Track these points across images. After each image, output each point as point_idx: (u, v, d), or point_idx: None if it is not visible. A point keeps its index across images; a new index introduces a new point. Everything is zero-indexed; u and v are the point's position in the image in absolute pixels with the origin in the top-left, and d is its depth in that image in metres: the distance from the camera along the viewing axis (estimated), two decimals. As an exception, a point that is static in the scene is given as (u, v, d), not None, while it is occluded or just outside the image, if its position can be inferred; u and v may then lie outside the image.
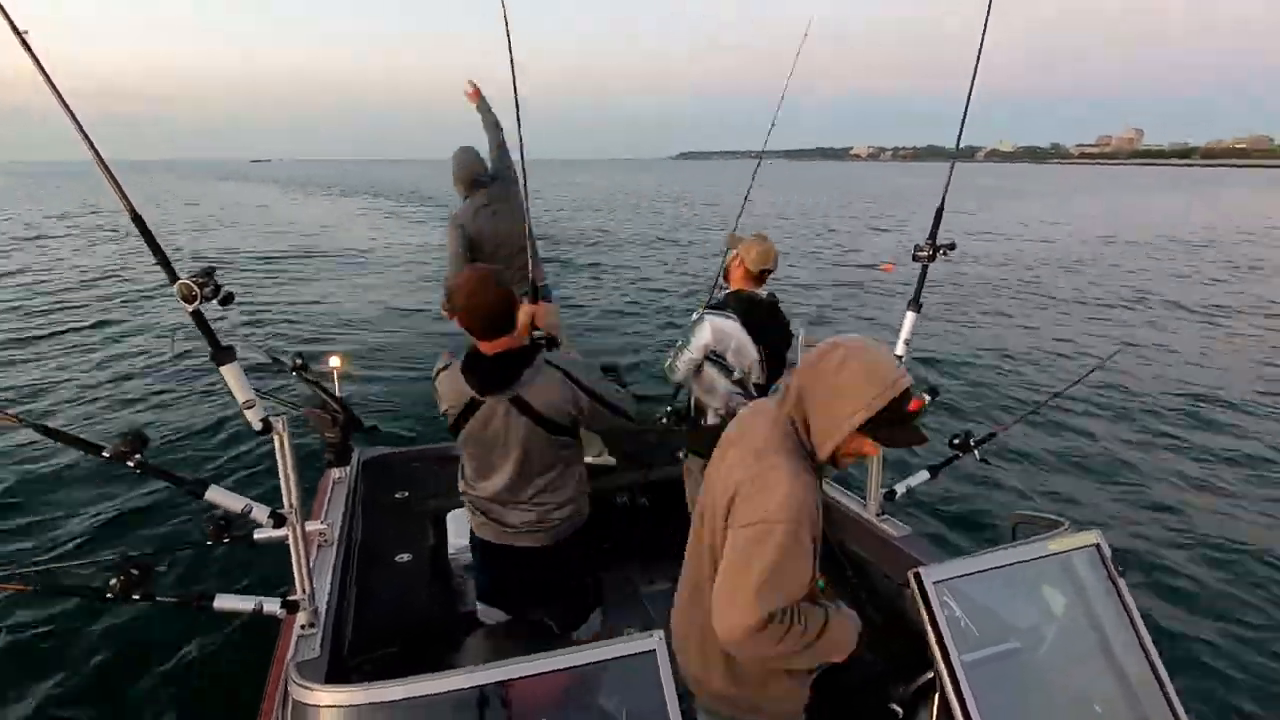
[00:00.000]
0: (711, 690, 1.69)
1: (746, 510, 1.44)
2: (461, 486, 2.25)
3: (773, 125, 3.84)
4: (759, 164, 3.90)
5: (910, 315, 2.54)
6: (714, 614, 1.43)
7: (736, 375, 2.73)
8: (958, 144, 2.54)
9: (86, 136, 1.64)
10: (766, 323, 2.78)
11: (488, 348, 1.96)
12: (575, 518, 2.25)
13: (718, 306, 2.80)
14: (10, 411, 1.71)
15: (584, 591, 2.39)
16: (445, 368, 2.08)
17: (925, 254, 2.44)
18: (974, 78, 2.41)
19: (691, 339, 2.74)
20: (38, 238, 19.42)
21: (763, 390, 2.81)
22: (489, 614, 2.39)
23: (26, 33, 1.58)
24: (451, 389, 2.03)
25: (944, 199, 2.47)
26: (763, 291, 2.83)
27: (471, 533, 2.31)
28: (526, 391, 1.98)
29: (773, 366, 2.85)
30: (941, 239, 2.46)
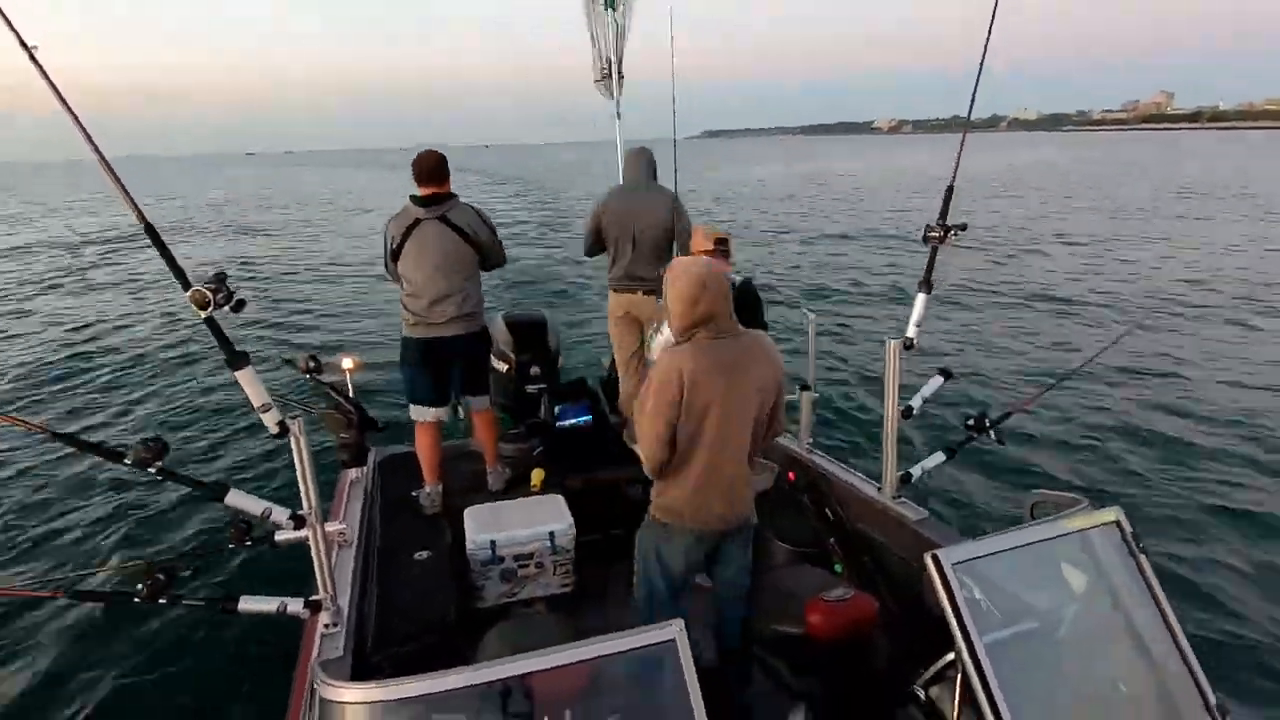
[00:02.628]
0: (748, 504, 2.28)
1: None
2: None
3: (674, 115, 4.51)
4: (675, 146, 4.66)
5: (921, 297, 2.52)
6: (781, 420, 2.25)
7: None
8: (968, 116, 2.51)
9: (97, 149, 1.66)
10: (737, 305, 2.81)
11: (424, 191, 3.10)
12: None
13: None
14: (34, 420, 1.73)
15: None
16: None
17: (936, 235, 2.42)
18: (985, 50, 2.39)
19: (664, 324, 2.76)
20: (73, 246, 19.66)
21: None
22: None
23: (35, 48, 1.59)
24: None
25: (954, 177, 2.44)
26: (736, 276, 2.94)
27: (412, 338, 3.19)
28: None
29: None
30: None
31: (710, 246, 3.04)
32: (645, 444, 2.11)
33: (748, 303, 2.97)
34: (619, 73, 4.62)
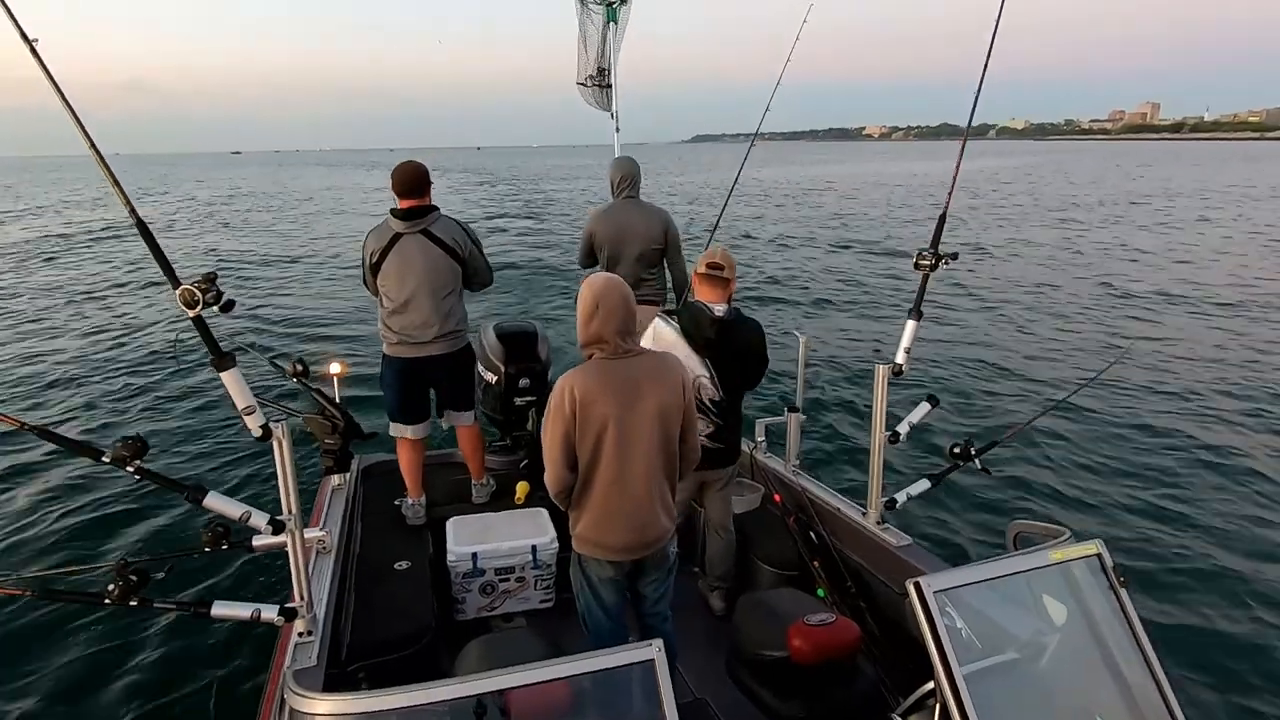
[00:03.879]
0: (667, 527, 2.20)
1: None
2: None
3: (767, 110, 4.20)
4: (751, 147, 4.54)
5: (911, 324, 2.54)
6: (694, 446, 2.22)
7: None
8: (966, 131, 2.53)
9: (94, 145, 1.65)
10: (713, 339, 2.63)
11: (404, 204, 3.01)
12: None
13: (674, 314, 2.79)
14: (10, 414, 1.71)
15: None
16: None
17: (927, 262, 2.44)
18: (988, 58, 2.41)
19: (652, 330, 2.72)
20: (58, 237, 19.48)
21: (720, 406, 2.67)
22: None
23: (36, 40, 1.60)
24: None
25: (947, 205, 2.47)
26: (719, 308, 2.65)
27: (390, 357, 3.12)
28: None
29: (731, 385, 2.71)
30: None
31: (702, 269, 2.70)
32: (546, 466, 2.08)
33: (733, 337, 2.66)
34: (612, 80, 4.69)
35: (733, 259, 2.76)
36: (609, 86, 4.68)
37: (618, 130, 4.67)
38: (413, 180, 3.00)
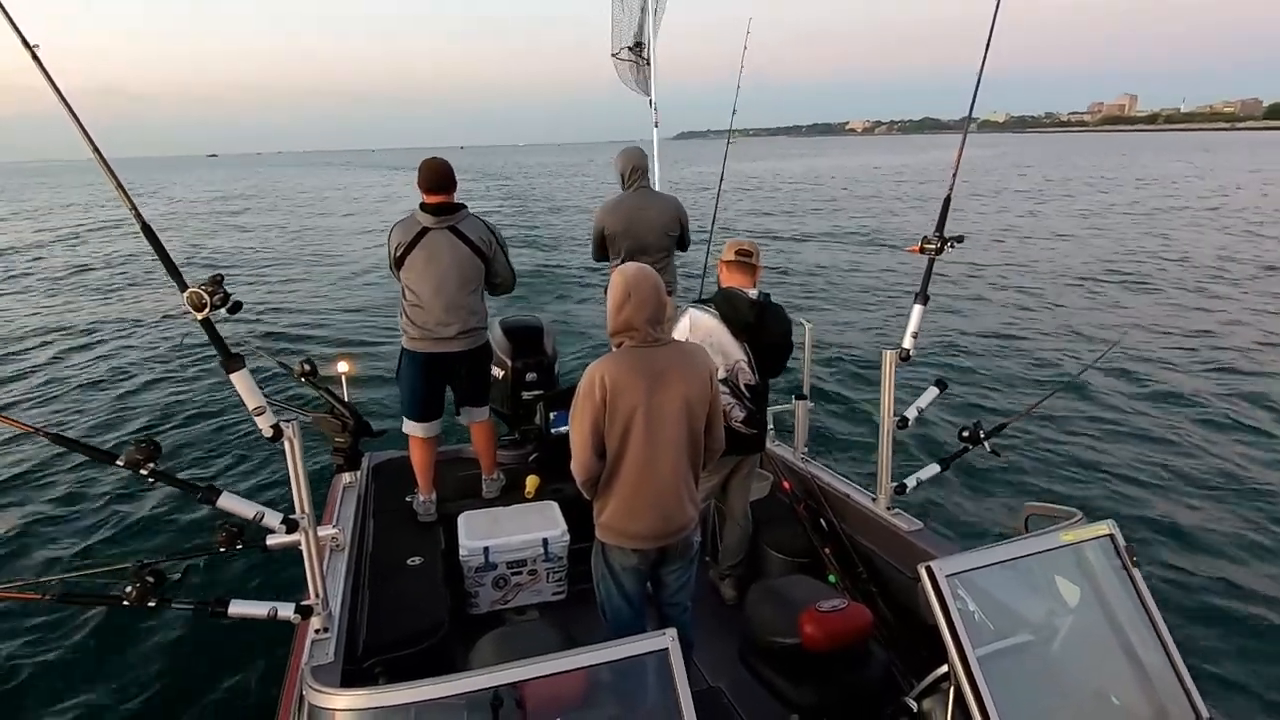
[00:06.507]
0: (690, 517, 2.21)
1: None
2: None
3: (735, 110, 4.33)
4: (728, 144, 4.50)
5: (917, 308, 2.52)
6: (718, 436, 2.22)
7: (720, 374, 2.64)
8: (967, 123, 2.52)
9: (98, 151, 1.66)
10: (752, 322, 2.69)
11: (431, 199, 3.02)
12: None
13: (706, 302, 2.80)
14: (25, 420, 1.72)
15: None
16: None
17: (933, 246, 2.42)
18: (985, 54, 2.41)
19: (670, 330, 2.70)
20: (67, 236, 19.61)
21: (755, 391, 2.71)
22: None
23: (37, 47, 1.60)
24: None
25: (951, 188, 2.45)
26: (752, 291, 2.74)
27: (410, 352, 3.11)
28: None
29: (765, 367, 2.76)
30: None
31: (731, 257, 2.79)
32: (574, 453, 2.09)
33: (769, 320, 2.74)
34: (651, 57, 4.32)
35: (757, 246, 2.82)
36: (647, 62, 4.34)
37: (656, 126, 4.30)
38: (439, 176, 3.02)
